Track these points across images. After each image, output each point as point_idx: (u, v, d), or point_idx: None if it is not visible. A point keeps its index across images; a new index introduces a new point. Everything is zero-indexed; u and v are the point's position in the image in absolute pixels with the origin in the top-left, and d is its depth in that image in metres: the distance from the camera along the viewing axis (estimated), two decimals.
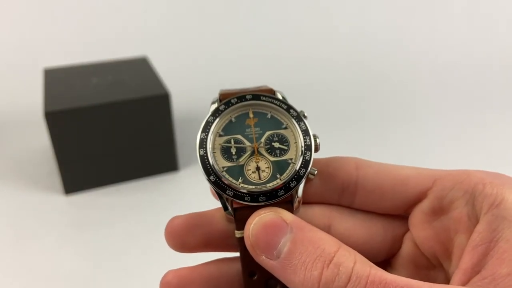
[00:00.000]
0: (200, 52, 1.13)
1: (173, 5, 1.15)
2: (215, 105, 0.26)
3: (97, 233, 0.59)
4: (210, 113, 0.25)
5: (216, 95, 0.27)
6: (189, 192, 0.67)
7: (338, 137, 0.80)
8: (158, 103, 0.65)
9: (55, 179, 0.69)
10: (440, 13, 1.21)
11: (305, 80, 1.05)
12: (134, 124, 0.66)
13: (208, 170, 0.24)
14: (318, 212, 0.26)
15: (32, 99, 0.85)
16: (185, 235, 0.25)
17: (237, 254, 0.26)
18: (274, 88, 0.27)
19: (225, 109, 0.25)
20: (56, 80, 0.70)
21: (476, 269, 0.20)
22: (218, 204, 0.25)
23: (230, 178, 0.24)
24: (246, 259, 0.24)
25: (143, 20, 1.14)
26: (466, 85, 1.02)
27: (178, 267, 0.26)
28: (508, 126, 0.85)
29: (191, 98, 0.89)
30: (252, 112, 0.26)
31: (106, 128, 0.64)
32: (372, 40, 1.17)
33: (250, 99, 0.26)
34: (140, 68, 0.76)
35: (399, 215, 0.26)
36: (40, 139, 0.78)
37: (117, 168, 0.68)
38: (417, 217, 0.25)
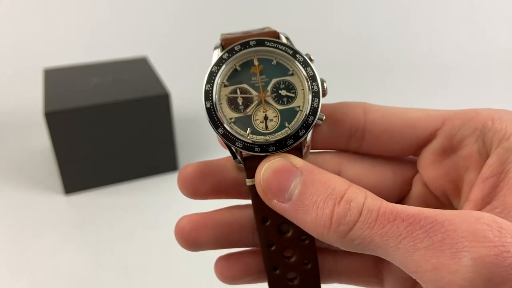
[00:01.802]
0: (200, 52, 1.12)
1: (173, 5, 1.15)
2: (218, 51, 0.25)
3: (97, 233, 0.59)
4: (213, 63, 0.24)
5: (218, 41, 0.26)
6: None
7: None
8: (158, 103, 0.65)
9: (55, 179, 0.69)
10: (439, 12, 1.21)
11: None
12: (134, 124, 0.66)
13: (216, 122, 0.24)
14: (327, 158, 0.26)
15: (32, 99, 0.85)
16: (197, 182, 0.25)
17: (249, 201, 0.26)
18: (278, 30, 0.26)
19: (228, 57, 0.24)
20: (56, 80, 0.70)
21: (487, 200, 0.20)
22: (227, 153, 0.25)
23: (239, 129, 0.24)
24: (258, 205, 0.24)
25: (143, 20, 1.14)
26: (466, 85, 1.02)
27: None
28: None
29: (191, 98, 0.88)
30: (257, 59, 0.25)
31: (106, 128, 0.64)
32: (371, 39, 1.17)
33: (254, 45, 0.24)
34: (140, 68, 0.76)
35: (408, 158, 0.26)
36: (40, 139, 0.78)
37: (117, 168, 0.68)
38: (426, 158, 0.24)
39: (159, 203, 0.64)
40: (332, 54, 1.13)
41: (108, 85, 0.68)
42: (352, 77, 1.06)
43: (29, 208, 0.64)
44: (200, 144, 0.77)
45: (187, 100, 0.88)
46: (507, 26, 1.18)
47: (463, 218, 0.18)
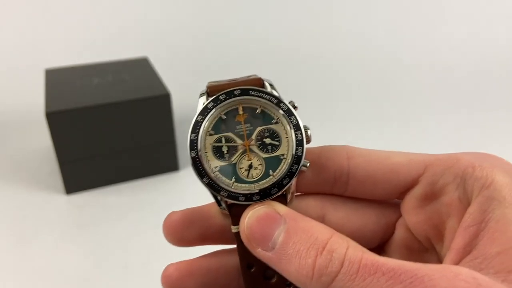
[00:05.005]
0: (200, 52, 1.13)
1: (173, 5, 1.15)
2: (203, 98, 0.25)
3: (98, 233, 0.59)
4: (198, 112, 0.25)
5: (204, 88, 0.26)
6: (190, 192, 0.67)
7: (335, 134, 0.81)
8: (158, 103, 0.66)
9: (56, 179, 0.69)
10: (439, 12, 1.21)
11: (304, 80, 1.05)
12: (135, 124, 0.66)
13: (201, 171, 0.24)
14: (311, 203, 0.26)
15: (33, 100, 0.86)
16: (183, 230, 0.26)
17: (235, 246, 0.26)
18: (263, 76, 0.26)
19: (213, 106, 0.25)
20: (57, 80, 0.71)
21: (468, 249, 0.21)
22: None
23: (223, 178, 0.25)
24: (243, 252, 0.24)
25: (143, 20, 1.14)
26: (465, 86, 1.02)
27: (179, 259, 0.27)
28: (507, 126, 0.85)
29: (191, 98, 0.89)
30: (242, 107, 0.25)
31: (106, 128, 0.65)
32: (370, 39, 1.17)
33: (239, 94, 0.25)
34: (140, 68, 0.76)
35: (392, 201, 0.27)
36: (41, 139, 0.78)
37: (117, 168, 0.68)
38: (409, 203, 0.25)
39: (159, 203, 0.65)
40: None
41: (109, 85, 0.69)
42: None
43: (30, 208, 0.64)
44: None
45: (187, 100, 0.88)
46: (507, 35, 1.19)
47: (442, 273, 0.18)
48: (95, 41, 1.09)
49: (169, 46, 1.12)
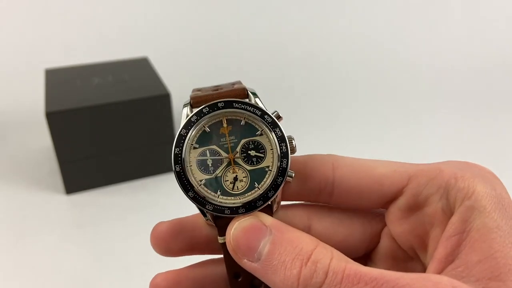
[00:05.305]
0: (200, 52, 1.13)
1: (173, 5, 1.15)
2: (187, 109, 0.25)
3: (98, 233, 0.60)
4: (182, 126, 0.25)
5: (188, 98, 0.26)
6: None
7: (334, 136, 0.81)
8: (158, 103, 0.66)
9: (57, 179, 0.69)
10: (438, 14, 1.21)
11: (306, 81, 1.05)
12: (135, 124, 0.66)
13: (186, 186, 0.24)
14: (297, 213, 0.27)
15: (33, 100, 0.86)
16: (170, 241, 0.26)
17: (222, 255, 0.26)
18: (248, 85, 0.26)
19: (197, 119, 0.25)
20: (57, 80, 0.71)
21: (450, 259, 0.21)
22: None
23: (208, 191, 0.25)
24: (230, 262, 0.24)
25: (143, 21, 1.14)
26: (465, 86, 1.02)
27: (175, 265, 0.27)
28: (506, 126, 0.85)
29: None
30: (226, 120, 0.25)
31: (107, 128, 0.65)
32: (369, 40, 1.17)
33: (223, 107, 0.25)
34: (140, 68, 0.76)
35: (377, 210, 0.27)
36: (41, 139, 0.78)
37: (117, 168, 0.68)
38: (393, 214, 0.25)
39: (159, 203, 0.65)
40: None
41: (109, 85, 0.69)
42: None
43: (30, 208, 0.64)
44: None
45: (187, 100, 0.89)
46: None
47: (422, 283, 0.18)
48: (95, 41, 1.09)
49: (169, 46, 1.12)
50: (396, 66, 1.09)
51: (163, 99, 0.66)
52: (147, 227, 0.60)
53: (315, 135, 0.79)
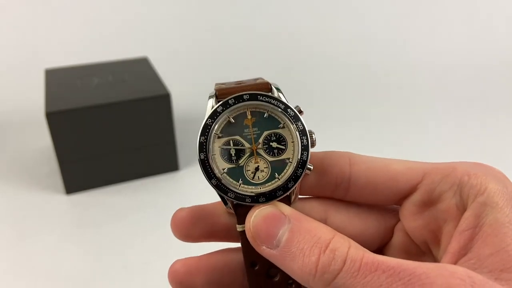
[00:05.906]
0: (200, 52, 1.13)
1: (173, 5, 1.15)
2: (212, 101, 0.26)
3: (98, 233, 0.60)
4: (208, 115, 0.26)
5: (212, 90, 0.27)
6: (190, 192, 0.67)
7: (337, 134, 0.81)
8: (158, 103, 0.66)
9: (57, 179, 0.69)
10: (439, 14, 1.21)
11: (306, 81, 1.05)
12: (135, 124, 0.66)
13: (209, 173, 0.25)
14: (315, 205, 0.27)
15: (33, 100, 0.86)
16: (190, 226, 0.27)
17: (239, 244, 0.27)
18: (270, 80, 0.27)
19: (223, 110, 0.26)
20: (57, 80, 0.71)
21: (463, 252, 0.22)
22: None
23: (231, 180, 0.25)
24: (248, 250, 0.25)
25: (143, 20, 1.14)
26: (465, 86, 1.02)
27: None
28: (506, 126, 0.85)
29: (191, 98, 0.89)
30: (250, 112, 0.26)
31: (106, 128, 0.65)
32: (371, 40, 1.17)
33: (248, 99, 0.26)
34: (140, 68, 0.76)
35: (391, 207, 0.28)
36: (41, 139, 0.79)
37: (117, 168, 0.68)
38: (408, 209, 0.26)
39: (159, 203, 0.65)
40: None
41: (109, 85, 0.69)
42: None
43: (30, 208, 0.64)
44: None
45: (187, 100, 0.89)
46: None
47: (439, 272, 0.19)
48: (95, 41, 1.09)
49: (169, 46, 1.12)
50: (401, 66, 1.09)
51: (163, 99, 0.66)
52: (147, 227, 0.60)
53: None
